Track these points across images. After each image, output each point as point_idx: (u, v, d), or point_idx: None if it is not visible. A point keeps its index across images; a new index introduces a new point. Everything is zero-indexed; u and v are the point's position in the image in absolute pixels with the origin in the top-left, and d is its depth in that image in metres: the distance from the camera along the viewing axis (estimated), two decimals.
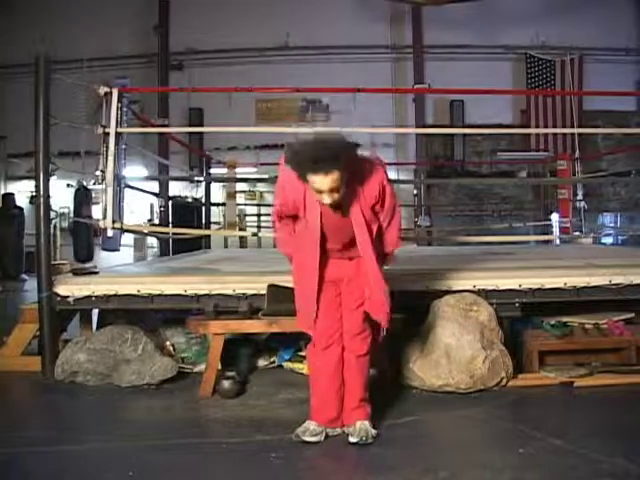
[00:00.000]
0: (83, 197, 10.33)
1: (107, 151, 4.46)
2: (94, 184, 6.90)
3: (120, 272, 4.87)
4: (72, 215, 11.19)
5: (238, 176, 10.40)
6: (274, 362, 4.08)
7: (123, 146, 4.70)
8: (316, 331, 2.82)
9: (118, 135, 4.51)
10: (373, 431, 2.73)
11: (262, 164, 12.78)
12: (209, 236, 8.91)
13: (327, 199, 2.52)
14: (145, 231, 8.02)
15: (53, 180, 4.11)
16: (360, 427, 2.72)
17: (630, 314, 3.97)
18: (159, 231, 8.31)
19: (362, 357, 2.82)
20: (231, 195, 9.52)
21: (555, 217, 9.83)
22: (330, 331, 2.80)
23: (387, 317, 2.80)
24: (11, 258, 11.22)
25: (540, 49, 13.69)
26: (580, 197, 9.70)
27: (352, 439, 2.69)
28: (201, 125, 13.06)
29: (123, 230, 4.76)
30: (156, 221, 12.53)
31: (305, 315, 2.83)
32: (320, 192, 2.50)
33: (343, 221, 2.67)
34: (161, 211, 12.17)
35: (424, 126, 13.31)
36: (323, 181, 2.45)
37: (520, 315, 3.89)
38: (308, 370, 2.94)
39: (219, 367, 3.59)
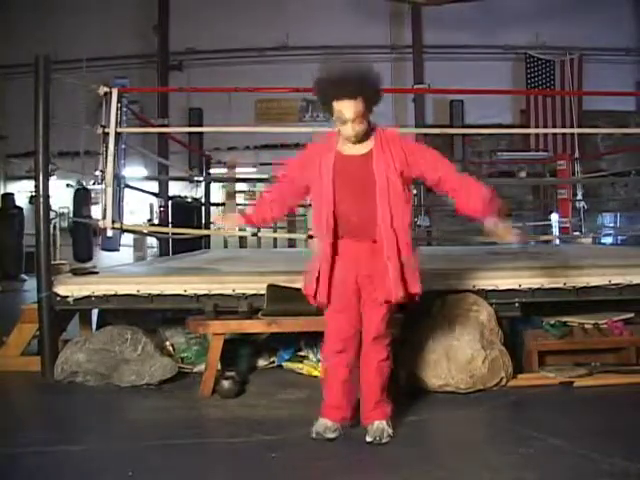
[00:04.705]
0: (83, 197, 10.33)
1: (107, 151, 4.46)
2: (94, 184, 6.90)
3: (120, 272, 4.87)
4: (72, 215, 11.19)
5: (238, 176, 10.40)
6: (274, 362, 4.08)
7: (123, 146, 4.70)
8: (330, 332, 2.78)
9: (118, 135, 4.51)
10: (390, 430, 2.74)
11: (262, 164, 12.79)
12: (209, 236, 8.90)
13: (350, 130, 2.59)
14: (145, 231, 8.01)
15: (53, 180, 4.11)
16: (377, 427, 2.73)
17: (630, 314, 3.97)
18: (159, 231, 8.29)
19: (382, 362, 2.78)
20: (231, 195, 9.52)
21: (555, 217, 9.83)
22: (345, 334, 2.73)
23: (397, 296, 2.65)
24: (11, 258, 11.22)
25: (540, 49, 13.69)
26: (580, 197, 9.70)
27: (367, 438, 2.71)
28: (201, 125, 13.06)
29: (123, 230, 4.76)
30: (156, 221, 12.52)
31: (310, 278, 2.74)
32: (344, 122, 2.59)
33: (362, 183, 2.64)
34: (161, 211, 12.15)
35: (424, 126, 13.30)
36: (349, 107, 2.54)
37: (520, 315, 3.89)
38: (321, 369, 2.93)
39: (219, 367, 3.59)
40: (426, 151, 2.76)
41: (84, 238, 10.56)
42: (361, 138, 2.67)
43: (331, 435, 2.72)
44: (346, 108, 2.56)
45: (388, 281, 2.63)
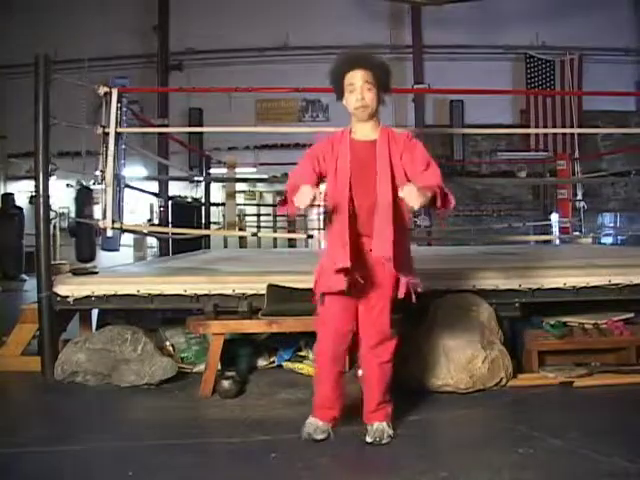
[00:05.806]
0: (85, 197, 10.34)
1: (107, 151, 4.46)
2: (94, 184, 6.90)
3: (120, 272, 4.86)
4: (73, 215, 11.21)
5: (238, 176, 10.41)
6: (274, 362, 4.08)
7: (123, 146, 4.70)
8: (324, 332, 2.75)
9: (118, 135, 4.51)
10: (390, 431, 2.73)
11: (262, 164, 12.82)
12: (209, 236, 8.91)
13: (359, 95, 2.63)
14: (145, 231, 8.02)
15: (53, 180, 4.11)
16: (377, 427, 2.72)
17: (630, 314, 3.97)
18: (159, 231, 8.30)
19: (385, 364, 2.75)
20: (231, 195, 9.52)
21: (555, 217, 9.85)
22: (339, 334, 2.71)
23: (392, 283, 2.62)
24: (11, 258, 11.23)
25: (540, 49, 13.71)
26: (580, 197, 9.72)
27: (367, 439, 2.69)
28: (201, 125, 13.07)
29: (123, 230, 4.76)
30: (156, 221, 12.53)
31: (329, 272, 2.61)
32: (354, 90, 2.64)
33: (370, 171, 2.62)
34: (161, 211, 12.17)
35: (424, 126, 13.31)
36: (358, 74, 2.63)
37: (520, 315, 3.89)
38: (313, 369, 2.93)
39: (219, 367, 3.59)
40: (421, 150, 2.71)
41: (86, 238, 10.57)
42: (370, 117, 2.69)
43: (321, 436, 2.70)
44: (357, 76, 2.63)
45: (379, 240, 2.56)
